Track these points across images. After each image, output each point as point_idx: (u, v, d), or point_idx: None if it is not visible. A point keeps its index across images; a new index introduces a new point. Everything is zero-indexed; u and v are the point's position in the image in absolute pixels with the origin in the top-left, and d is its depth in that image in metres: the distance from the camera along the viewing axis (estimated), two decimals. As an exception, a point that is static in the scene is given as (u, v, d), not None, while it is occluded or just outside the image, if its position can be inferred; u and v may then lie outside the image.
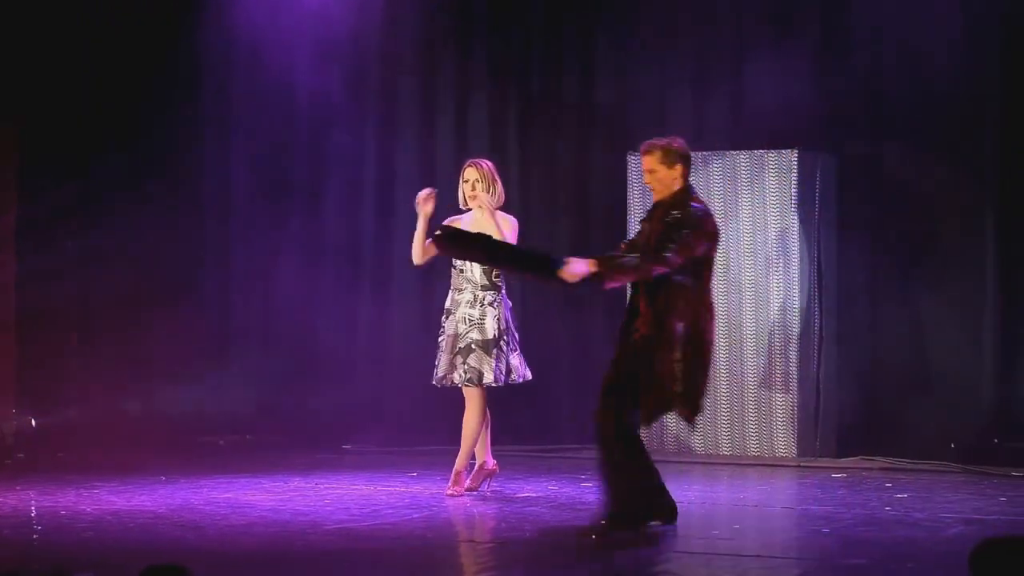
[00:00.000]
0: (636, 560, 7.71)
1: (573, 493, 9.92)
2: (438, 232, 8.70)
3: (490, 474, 9.84)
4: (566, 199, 12.92)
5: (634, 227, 12.15)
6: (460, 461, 9.67)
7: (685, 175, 8.32)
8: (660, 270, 8.05)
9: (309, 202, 13.11)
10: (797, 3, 12.18)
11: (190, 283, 12.92)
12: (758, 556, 7.67)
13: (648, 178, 8.32)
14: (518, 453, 11.85)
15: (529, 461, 11.59)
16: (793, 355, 11.65)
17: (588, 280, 8.10)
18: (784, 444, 11.66)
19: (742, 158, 11.85)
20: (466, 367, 9.56)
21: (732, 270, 11.83)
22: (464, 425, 9.64)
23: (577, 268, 8.08)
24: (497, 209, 9.68)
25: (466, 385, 9.58)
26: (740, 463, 11.59)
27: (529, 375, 9.83)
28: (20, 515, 8.82)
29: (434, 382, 9.77)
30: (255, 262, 13.03)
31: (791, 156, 11.72)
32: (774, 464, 11.51)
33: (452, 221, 9.67)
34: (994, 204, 11.67)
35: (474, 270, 9.63)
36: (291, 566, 7.45)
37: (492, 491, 9.83)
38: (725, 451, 11.81)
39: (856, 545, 7.91)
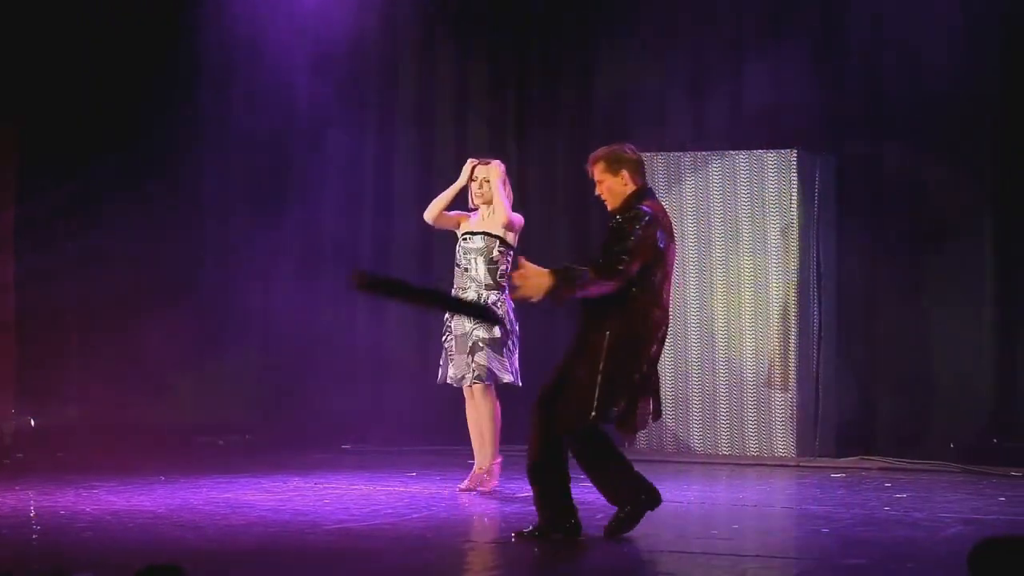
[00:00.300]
0: (636, 560, 7.71)
1: (573, 493, 9.89)
2: (353, 276, 8.39)
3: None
4: (565, 199, 12.91)
5: (634, 227, 12.17)
6: (487, 458, 9.75)
7: (635, 180, 8.05)
8: (614, 284, 7.78)
9: (308, 202, 13.10)
10: (797, 3, 12.18)
11: (189, 283, 12.92)
12: (757, 556, 7.67)
13: (599, 189, 8.16)
14: (518, 453, 11.83)
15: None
16: (792, 355, 11.65)
17: (547, 294, 7.80)
18: (783, 444, 11.66)
19: (741, 158, 11.85)
20: (475, 365, 9.58)
21: (731, 270, 11.83)
22: (482, 424, 9.68)
23: (538, 284, 7.77)
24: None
25: (474, 383, 9.60)
26: (739, 463, 11.59)
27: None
28: (19, 515, 8.81)
29: (449, 382, 9.75)
30: (255, 262, 13.03)
31: (791, 156, 11.73)
32: (773, 464, 11.51)
33: (459, 215, 9.77)
34: (994, 204, 11.68)
35: (479, 269, 9.64)
36: (290, 566, 7.45)
37: (492, 491, 9.82)
38: (724, 451, 11.82)
39: (855, 545, 7.91)
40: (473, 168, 9.80)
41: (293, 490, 9.98)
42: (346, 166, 13.16)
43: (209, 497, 9.54)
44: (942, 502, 9.56)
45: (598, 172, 8.15)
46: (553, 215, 12.89)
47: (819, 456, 11.70)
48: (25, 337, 12.34)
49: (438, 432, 12.07)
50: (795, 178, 11.71)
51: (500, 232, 9.69)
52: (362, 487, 10.21)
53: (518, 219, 9.78)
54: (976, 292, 11.71)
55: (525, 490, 9.89)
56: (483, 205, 9.75)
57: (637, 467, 10.09)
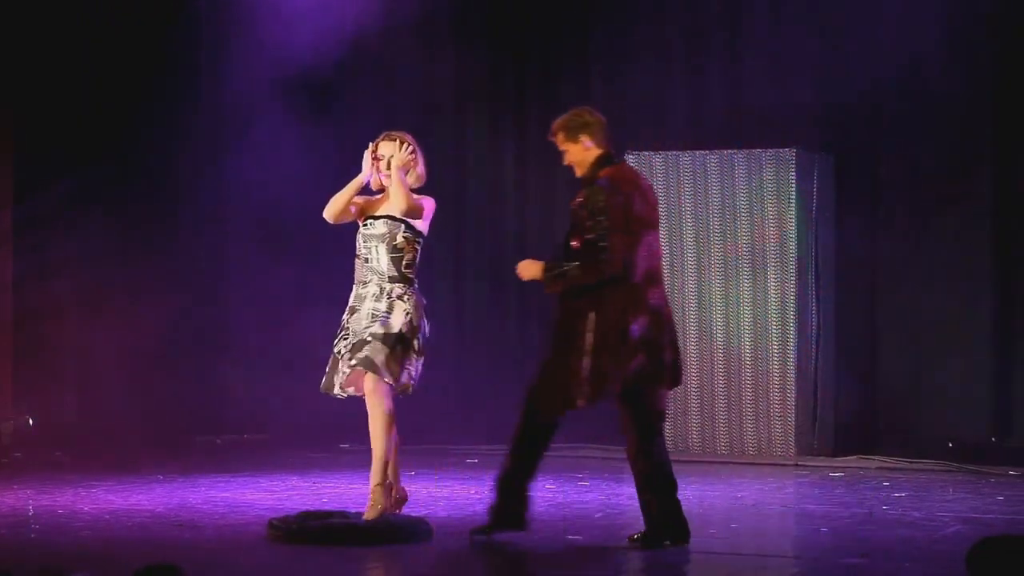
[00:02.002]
0: (634, 559, 7.71)
1: (571, 492, 9.91)
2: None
3: (401, 504, 8.42)
4: (565, 200, 12.86)
5: (632, 226, 12.18)
6: (375, 475, 8.21)
7: (597, 143, 7.73)
8: (603, 277, 7.59)
9: (305, 200, 13.08)
10: (795, 1, 12.18)
11: (188, 281, 12.90)
12: (755, 555, 7.68)
13: (566, 159, 7.82)
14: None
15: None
16: (791, 354, 11.65)
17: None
18: (782, 443, 11.66)
19: (740, 157, 11.85)
20: (359, 358, 8.22)
21: (730, 269, 11.83)
22: (371, 433, 8.20)
23: (529, 269, 7.81)
24: (415, 191, 8.51)
25: (359, 367, 8.20)
26: (738, 462, 11.59)
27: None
28: (18, 514, 8.81)
29: (337, 393, 8.42)
30: (253, 259, 13.02)
31: (789, 155, 11.72)
32: (772, 463, 11.51)
33: (365, 201, 8.59)
34: (992, 204, 11.69)
35: (380, 259, 8.37)
36: (289, 565, 7.45)
37: (491, 489, 9.79)
38: (723, 450, 11.82)
39: (854, 544, 7.91)
40: (376, 146, 8.61)
41: (291, 489, 9.97)
42: (343, 164, 13.13)
43: (207, 496, 9.54)
44: (940, 501, 9.56)
45: (559, 143, 7.85)
46: (551, 216, 12.87)
47: (817, 455, 11.70)
48: (23, 336, 12.33)
49: (435, 431, 12.05)
50: (793, 177, 11.70)
51: (405, 207, 8.37)
52: (360, 486, 10.19)
53: (427, 203, 8.45)
54: (975, 291, 11.73)
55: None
56: (390, 187, 8.46)
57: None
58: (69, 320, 12.56)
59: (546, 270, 7.77)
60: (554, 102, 12.92)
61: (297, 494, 9.73)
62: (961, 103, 11.70)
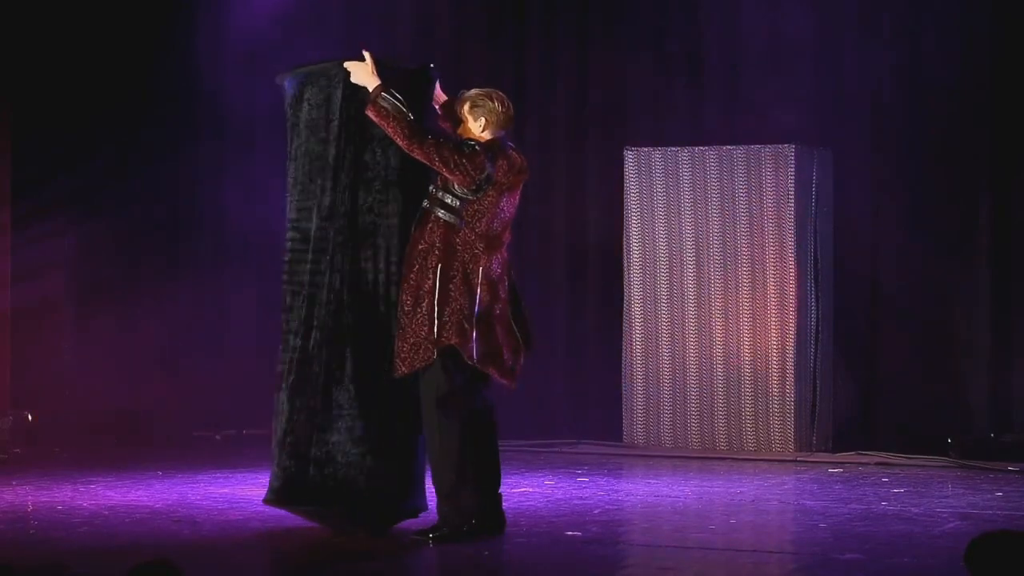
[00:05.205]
0: (633, 555, 7.71)
1: (570, 488, 9.91)
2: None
3: None
4: (564, 198, 12.88)
5: (632, 223, 12.17)
6: None
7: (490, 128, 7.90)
8: (419, 151, 7.73)
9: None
10: (794, -2, 12.20)
11: (186, 276, 12.90)
12: (754, 551, 7.68)
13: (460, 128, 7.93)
14: (515, 448, 11.84)
15: (525, 456, 11.58)
16: (790, 350, 11.65)
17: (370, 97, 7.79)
18: (780, 439, 11.66)
19: (739, 153, 11.85)
20: None
21: (729, 265, 11.83)
22: None
23: (363, 77, 7.93)
24: None
25: None
26: (736, 458, 11.60)
27: None
28: (16, 510, 8.81)
29: None
30: (252, 257, 13.01)
31: (788, 150, 11.72)
32: (770, 459, 11.51)
33: None
34: (992, 200, 11.69)
35: None
36: (288, 562, 7.45)
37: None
38: (722, 446, 11.82)
39: (852, 540, 7.91)
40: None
41: (290, 485, 9.95)
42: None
43: (207, 492, 9.53)
44: (939, 497, 9.56)
45: (462, 111, 7.94)
46: (549, 213, 12.86)
47: (816, 451, 11.70)
48: (21, 331, 12.33)
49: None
50: (793, 173, 11.71)
51: None
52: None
53: None
54: (974, 287, 11.72)
55: (522, 485, 9.91)
56: None
57: (634, 462, 10.13)
58: (68, 317, 12.56)
59: (378, 91, 7.84)
60: (552, 98, 12.94)
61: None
62: (961, 97, 11.69)
